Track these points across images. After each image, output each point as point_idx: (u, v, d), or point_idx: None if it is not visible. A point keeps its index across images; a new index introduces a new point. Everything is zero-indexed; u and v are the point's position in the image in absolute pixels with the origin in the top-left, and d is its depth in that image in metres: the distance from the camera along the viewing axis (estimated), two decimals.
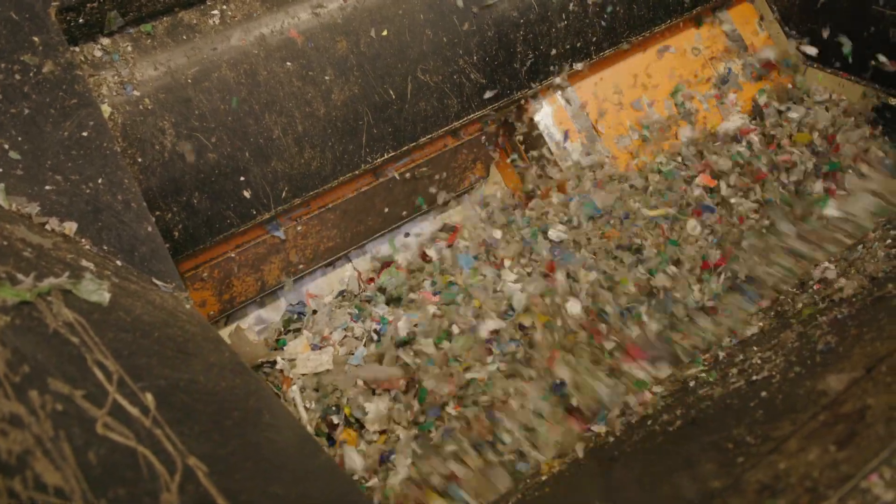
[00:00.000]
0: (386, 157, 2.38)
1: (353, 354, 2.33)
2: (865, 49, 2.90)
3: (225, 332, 2.49)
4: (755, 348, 2.05)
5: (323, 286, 2.65)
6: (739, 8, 3.19)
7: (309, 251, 2.51)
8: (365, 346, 2.34)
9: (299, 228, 2.41)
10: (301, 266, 2.53)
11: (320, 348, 2.37)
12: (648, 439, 1.82)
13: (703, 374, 2.07)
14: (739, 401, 1.74)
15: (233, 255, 2.32)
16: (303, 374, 2.30)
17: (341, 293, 2.64)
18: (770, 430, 1.49)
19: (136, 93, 1.98)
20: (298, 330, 2.48)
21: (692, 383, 2.03)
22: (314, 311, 2.56)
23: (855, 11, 2.88)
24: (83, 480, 0.92)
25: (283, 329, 2.53)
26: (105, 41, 1.99)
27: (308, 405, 2.24)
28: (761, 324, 2.24)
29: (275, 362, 2.36)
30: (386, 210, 2.62)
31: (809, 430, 1.40)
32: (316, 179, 2.26)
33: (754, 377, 1.83)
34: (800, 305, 2.22)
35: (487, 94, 2.52)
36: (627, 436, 1.91)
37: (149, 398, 1.11)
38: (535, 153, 2.83)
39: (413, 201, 2.68)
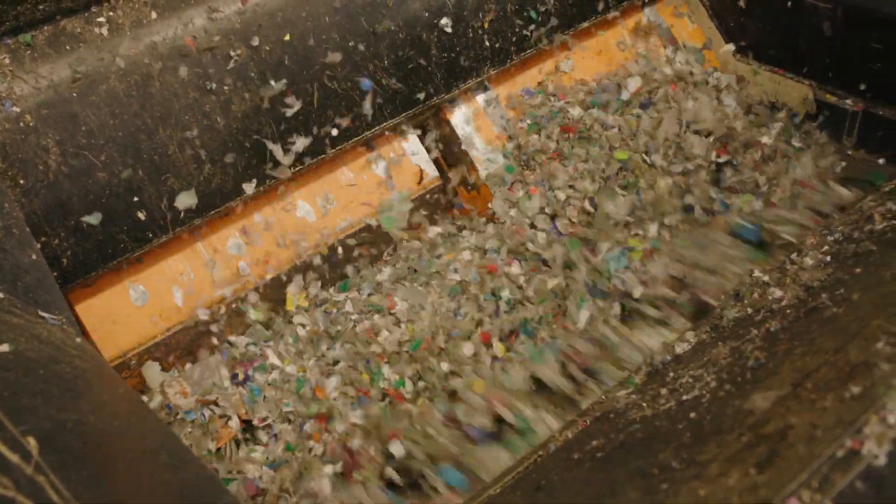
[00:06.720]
0: (293, 171, 2.41)
1: None
2: (799, 44, 3.02)
3: None
4: (687, 365, 2.12)
5: None
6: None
7: None
8: None
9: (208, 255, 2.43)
10: None
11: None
12: (576, 466, 1.87)
13: (635, 396, 2.13)
14: (668, 423, 1.80)
15: None
16: None
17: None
18: (696, 453, 1.56)
19: (16, 109, 1.98)
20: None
21: (622, 405, 2.10)
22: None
23: (788, 5, 2.99)
24: None
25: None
26: None
27: None
28: (695, 339, 2.31)
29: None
30: None
31: (732, 453, 1.46)
32: (217, 197, 2.29)
33: (684, 397, 1.90)
34: (732, 316, 2.29)
35: (401, 101, 2.58)
36: (554, 462, 1.96)
37: (31, 442, 1.13)
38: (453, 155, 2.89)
39: None
